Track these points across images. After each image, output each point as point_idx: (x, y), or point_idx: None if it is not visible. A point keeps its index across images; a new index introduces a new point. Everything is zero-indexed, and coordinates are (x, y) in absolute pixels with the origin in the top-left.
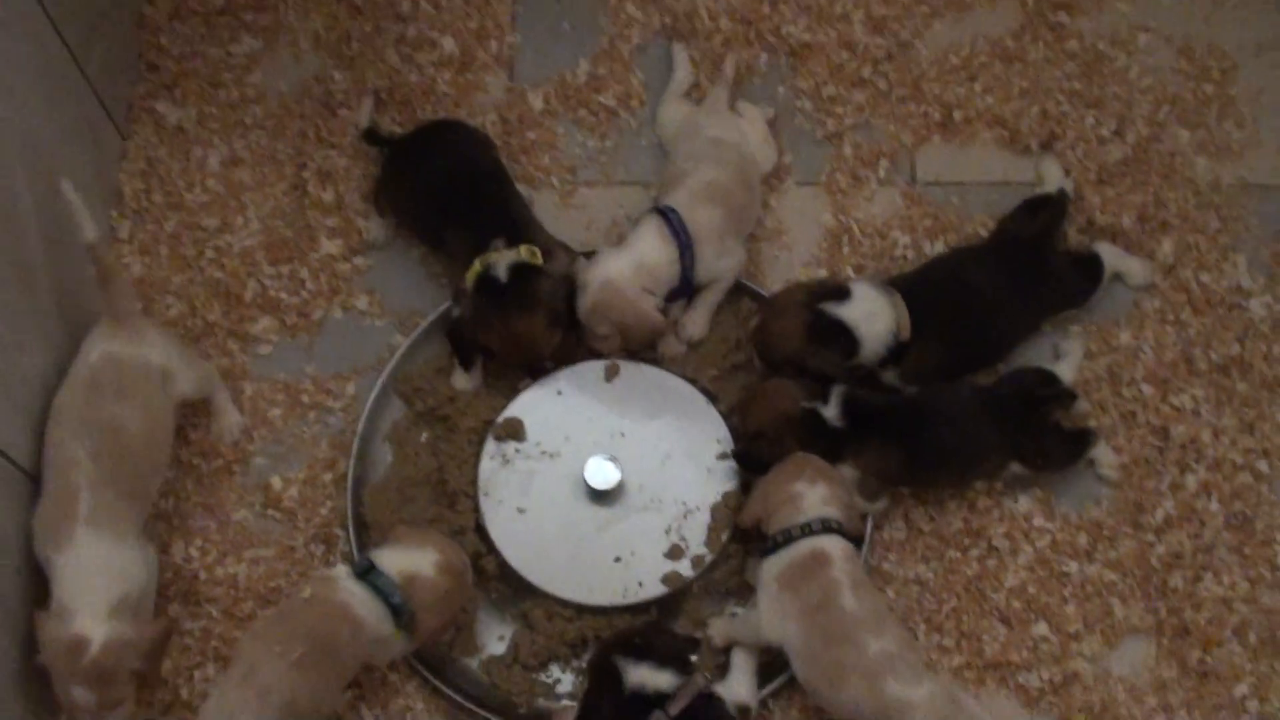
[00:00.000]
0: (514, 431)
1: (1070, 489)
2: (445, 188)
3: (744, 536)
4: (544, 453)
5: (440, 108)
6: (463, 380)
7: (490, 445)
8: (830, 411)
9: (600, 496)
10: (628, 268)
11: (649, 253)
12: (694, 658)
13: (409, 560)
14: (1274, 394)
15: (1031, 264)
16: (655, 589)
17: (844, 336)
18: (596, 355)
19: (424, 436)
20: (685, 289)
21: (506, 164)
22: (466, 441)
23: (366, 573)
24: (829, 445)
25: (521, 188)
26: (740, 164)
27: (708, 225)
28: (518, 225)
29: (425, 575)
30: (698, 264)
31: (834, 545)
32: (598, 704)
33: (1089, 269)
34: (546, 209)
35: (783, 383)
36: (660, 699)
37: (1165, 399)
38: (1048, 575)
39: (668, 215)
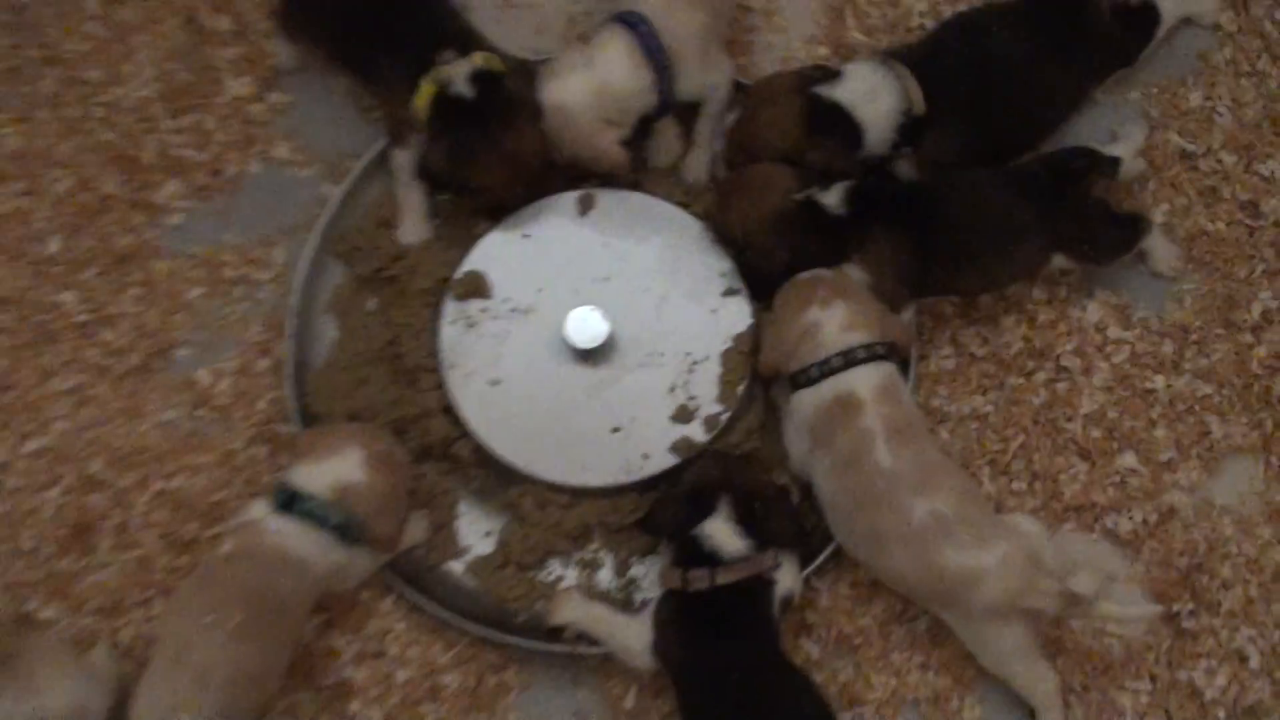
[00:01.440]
0: (476, 288)
1: (1148, 288)
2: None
3: (766, 384)
4: (515, 310)
5: None
6: (411, 230)
7: (450, 307)
8: (831, 198)
9: (587, 356)
10: (586, 93)
11: (614, 77)
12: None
13: (331, 469)
14: None
15: (1068, 14)
16: (664, 460)
17: (845, 122)
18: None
19: (371, 304)
20: (664, 109)
21: None
22: (422, 305)
23: (290, 502)
24: (832, 243)
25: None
26: None
27: (688, 34)
28: (466, 34)
29: (357, 479)
30: (678, 82)
31: (864, 382)
32: (662, 515)
33: (1140, 13)
34: (485, 13)
35: (767, 167)
36: (714, 558)
37: (1250, 168)
38: (1130, 395)
39: (637, 29)
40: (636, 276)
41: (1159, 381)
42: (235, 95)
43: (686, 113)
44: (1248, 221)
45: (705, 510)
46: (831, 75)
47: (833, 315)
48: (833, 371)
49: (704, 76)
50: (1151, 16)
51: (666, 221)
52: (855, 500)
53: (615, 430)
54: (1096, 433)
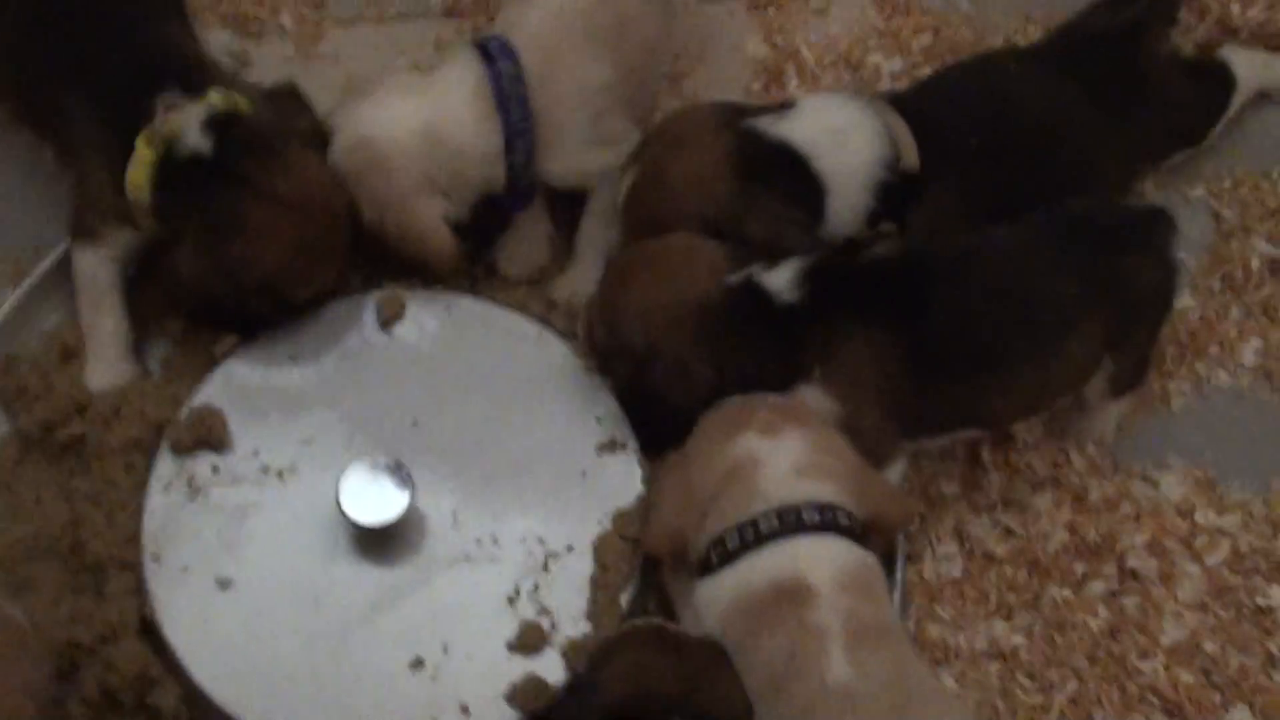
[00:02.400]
0: (208, 435)
1: (1241, 453)
2: (56, 18)
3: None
4: (266, 470)
5: None
6: (103, 371)
7: (165, 466)
8: (779, 280)
9: (375, 543)
10: (408, 129)
11: (449, 115)
12: None
13: None
14: None
15: (1117, 69)
16: (495, 715)
17: (798, 175)
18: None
19: (44, 469)
20: (517, 197)
21: (201, 3)
22: (122, 466)
23: None
24: (781, 351)
25: (220, 35)
26: None
27: (574, 90)
28: (194, 68)
29: None
30: (544, 156)
31: (817, 559)
32: None
33: (1211, 82)
34: (272, 66)
35: (685, 238)
36: None
37: None
38: (1234, 617)
39: (495, 63)
40: (461, 422)
41: (1276, 595)
42: None
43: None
44: None
45: None
46: (777, 108)
47: (781, 450)
48: (766, 538)
49: (590, 158)
50: (1225, 81)
51: (512, 340)
52: None
53: (416, 665)
54: (1188, 675)
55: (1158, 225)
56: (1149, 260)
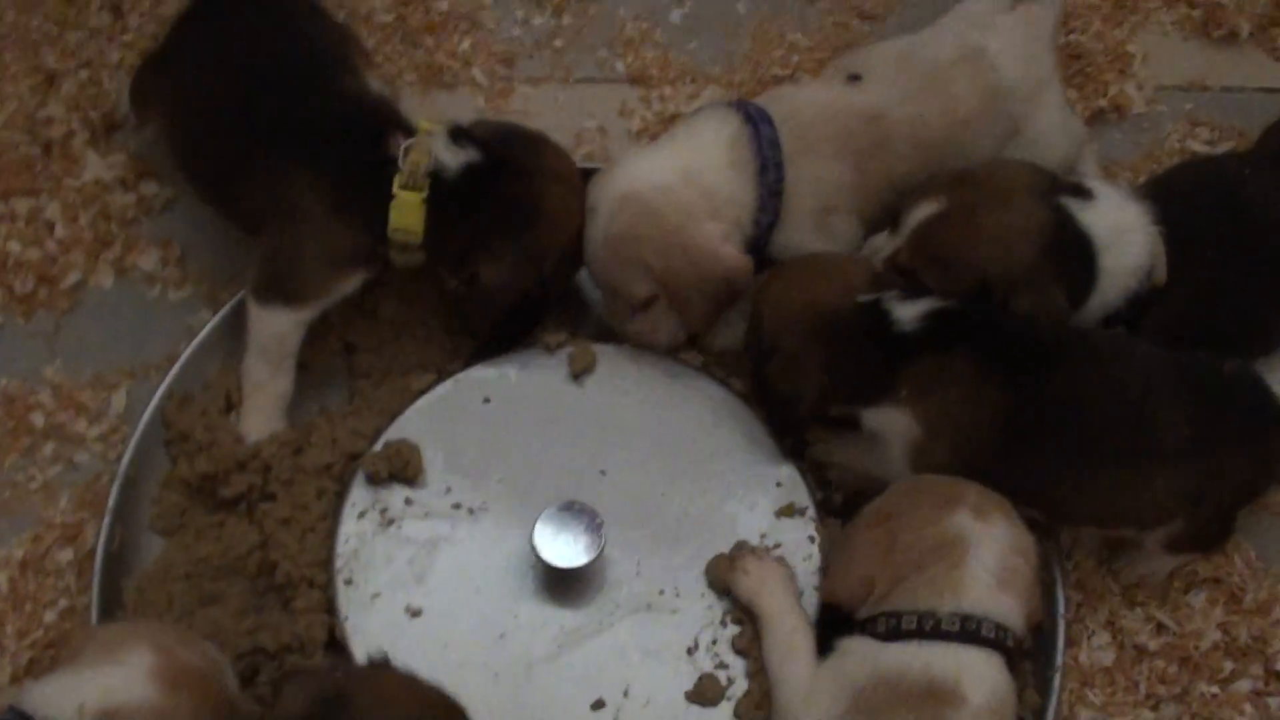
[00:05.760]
0: (403, 468)
1: None
2: (264, 87)
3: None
4: (458, 506)
5: None
6: (260, 421)
7: (359, 494)
8: (907, 311)
9: (564, 586)
10: (667, 171)
11: (706, 160)
12: None
13: (94, 684)
14: None
15: None
16: None
17: (1084, 264)
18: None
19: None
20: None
21: (395, 51)
22: (314, 491)
23: None
24: (879, 369)
25: (415, 90)
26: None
27: (814, 174)
28: (390, 110)
29: (135, 700)
30: (781, 226)
31: (980, 673)
32: None
33: None
34: (462, 117)
35: (841, 256)
36: None
37: None
38: None
39: (756, 121)
40: (647, 474)
41: None
42: (96, 177)
43: None
44: None
45: None
46: (1080, 191)
47: (991, 541)
48: (944, 635)
49: (810, 242)
50: None
51: (698, 399)
52: None
53: (597, 706)
54: None
55: None
56: (1264, 447)
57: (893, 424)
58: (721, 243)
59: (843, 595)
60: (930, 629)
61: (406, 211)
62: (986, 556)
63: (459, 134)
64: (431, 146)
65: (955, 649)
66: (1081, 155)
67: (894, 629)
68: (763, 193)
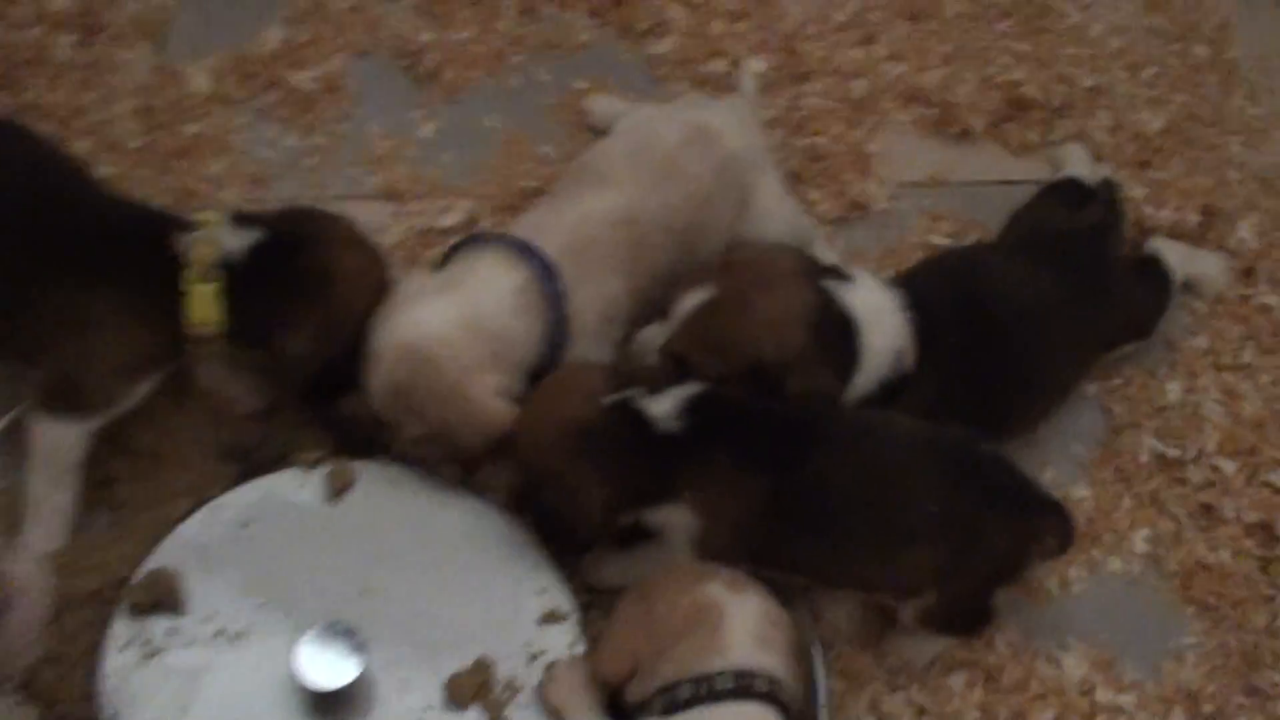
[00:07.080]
0: (164, 597)
1: (1136, 638)
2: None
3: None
4: (220, 634)
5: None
6: (45, 536)
7: (120, 627)
8: (661, 407)
9: (331, 706)
10: (451, 326)
11: (492, 312)
12: None
13: None
14: None
15: (1087, 264)
16: None
17: (848, 343)
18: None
19: None
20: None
21: (145, 177)
22: (81, 623)
23: None
24: (658, 474)
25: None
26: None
27: (595, 300)
28: (154, 211)
29: None
30: (571, 344)
31: None
32: None
33: (1155, 275)
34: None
35: (574, 366)
36: None
37: (1256, 477)
38: None
39: (535, 255)
40: (409, 590)
41: None
42: None
43: None
44: (1259, 551)
45: None
46: (839, 274)
47: (746, 609)
48: (720, 695)
49: (596, 352)
50: (1165, 274)
51: (457, 513)
52: None
53: None
54: None
55: (1045, 514)
56: (1011, 528)
57: (677, 519)
58: (494, 398)
59: (608, 671)
60: (706, 693)
61: (203, 304)
62: (745, 619)
63: (241, 218)
64: (216, 236)
65: (734, 707)
66: (819, 249)
67: (671, 703)
68: (551, 329)
